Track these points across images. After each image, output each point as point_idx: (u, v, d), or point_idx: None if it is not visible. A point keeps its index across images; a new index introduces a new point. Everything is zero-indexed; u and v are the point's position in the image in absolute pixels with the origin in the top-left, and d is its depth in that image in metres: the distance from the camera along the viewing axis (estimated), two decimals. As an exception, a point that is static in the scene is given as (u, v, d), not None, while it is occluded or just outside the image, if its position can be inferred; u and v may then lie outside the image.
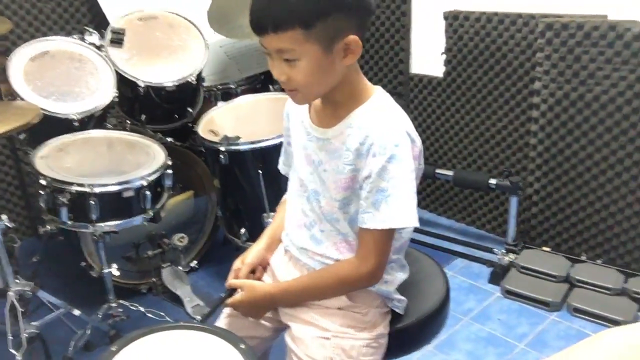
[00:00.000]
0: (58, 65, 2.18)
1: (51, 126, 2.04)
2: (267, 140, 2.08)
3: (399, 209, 1.08)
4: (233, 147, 2.14)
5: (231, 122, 2.36)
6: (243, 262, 1.31)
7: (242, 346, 1.07)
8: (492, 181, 2.48)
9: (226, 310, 1.35)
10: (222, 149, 2.14)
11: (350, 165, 1.11)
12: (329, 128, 1.15)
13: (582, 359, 0.79)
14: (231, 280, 1.29)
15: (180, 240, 2.36)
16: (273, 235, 1.36)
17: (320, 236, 1.21)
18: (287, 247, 1.29)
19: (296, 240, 1.26)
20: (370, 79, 3.22)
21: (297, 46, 1.03)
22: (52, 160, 1.91)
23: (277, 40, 1.03)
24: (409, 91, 2.90)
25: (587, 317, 2.19)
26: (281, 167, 1.39)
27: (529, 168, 2.49)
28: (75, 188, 1.78)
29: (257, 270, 1.33)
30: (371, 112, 1.12)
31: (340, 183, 1.13)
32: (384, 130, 1.08)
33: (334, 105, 1.14)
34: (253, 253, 1.33)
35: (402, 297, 1.26)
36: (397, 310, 1.26)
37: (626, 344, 0.76)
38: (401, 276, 1.26)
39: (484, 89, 2.59)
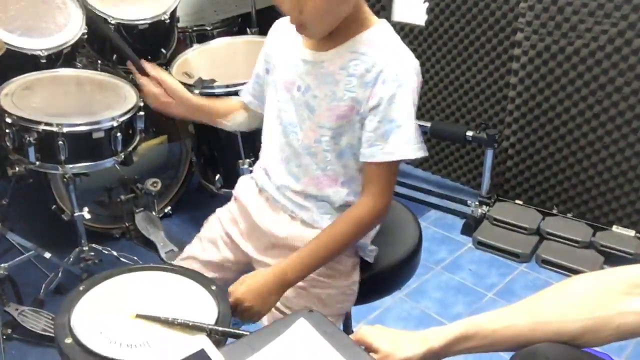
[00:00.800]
0: (24, -2, 2.07)
1: (16, 62, 1.95)
2: (244, 84, 2.02)
3: (409, 140, 1.06)
4: (208, 90, 2.08)
5: (206, 65, 2.29)
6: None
7: (213, 287, 1.06)
8: (469, 133, 2.48)
9: (191, 248, 1.32)
10: (197, 91, 2.08)
11: (352, 93, 1.07)
12: (324, 51, 1.09)
13: (552, 303, 0.81)
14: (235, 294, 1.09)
15: (153, 185, 2.32)
16: (201, 100, 1.33)
17: (298, 172, 1.17)
18: (263, 186, 1.24)
19: (274, 177, 1.21)
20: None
21: None
22: (18, 98, 1.83)
23: None
24: (389, 40, 2.84)
25: (554, 269, 2.25)
26: (244, 94, 1.33)
27: (505, 121, 2.49)
28: (42, 127, 1.72)
29: (164, 87, 1.26)
30: (378, 39, 1.07)
31: (337, 110, 1.08)
32: (397, 57, 1.05)
33: (331, 32, 1.08)
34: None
35: (374, 247, 1.26)
36: (367, 259, 1.26)
37: (595, 289, 0.77)
38: (377, 226, 1.25)
39: (465, 39, 2.55)
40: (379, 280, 1.30)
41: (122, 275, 1.09)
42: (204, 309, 1.01)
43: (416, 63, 1.07)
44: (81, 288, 1.05)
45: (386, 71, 1.04)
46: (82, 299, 1.03)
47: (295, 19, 1.04)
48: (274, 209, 1.22)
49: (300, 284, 1.16)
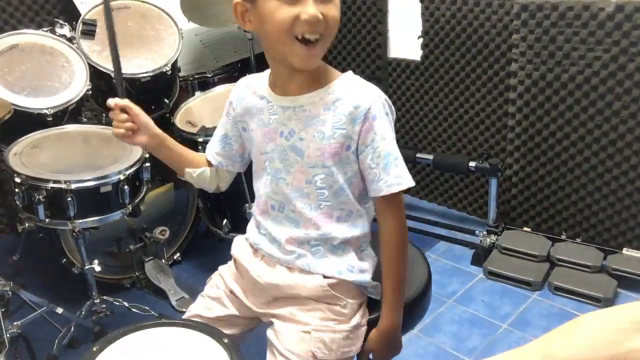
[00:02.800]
0: (28, 59, 2.13)
1: (24, 122, 2.00)
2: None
3: (404, 170, 1.13)
4: (211, 138, 2.11)
5: (209, 112, 2.33)
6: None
7: (226, 340, 1.06)
8: (472, 164, 2.50)
9: (196, 307, 1.32)
10: (200, 140, 2.12)
11: (342, 130, 1.10)
12: (300, 95, 1.14)
13: (562, 343, 0.80)
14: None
15: (161, 233, 2.34)
16: (172, 142, 1.30)
17: (295, 216, 1.18)
18: (257, 245, 1.25)
19: (269, 229, 1.21)
20: (348, 64, 3.17)
21: None
22: (26, 157, 1.87)
23: None
24: (387, 75, 2.90)
25: (568, 295, 2.23)
26: (210, 155, 1.33)
27: (507, 150, 2.51)
28: (51, 185, 1.75)
29: (132, 115, 1.21)
30: (354, 82, 1.15)
31: (329, 149, 1.11)
32: (376, 96, 1.11)
33: (305, 77, 1.13)
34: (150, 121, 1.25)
35: (376, 283, 1.26)
36: (372, 296, 1.26)
37: (604, 328, 0.77)
38: (376, 260, 1.26)
39: (461, 72, 2.60)
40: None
41: (135, 333, 1.10)
42: (218, 363, 1.01)
43: (390, 102, 1.15)
44: (95, 349, 1.06)
45: (373, 108, 1.10)
46: (97, 360, 1.03)
47: (317, 27, 1.05)
48: (270, 265, 1.23)
49: (303, 328, 1.17)
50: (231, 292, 1.29)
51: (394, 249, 1.18)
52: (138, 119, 1.23)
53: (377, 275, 1.27)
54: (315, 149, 1.12)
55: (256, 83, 1.23)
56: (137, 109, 1.23)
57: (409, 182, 1.13)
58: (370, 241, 1.27)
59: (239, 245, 1.32)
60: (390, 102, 1.15)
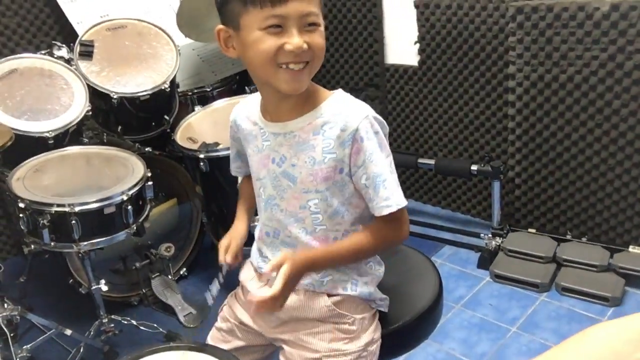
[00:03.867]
0: (28, 82, 2.14)
1: (26, 146, 2.01)
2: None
3: (394, 190, 1.10)
4: (212, 154, 2.12)
5: (209, 127, 2.34)
6: (231, 240, 1.29)
7: (235, 363, 1.06)
8: (474, 167, 2.49)
9: (213, 339, 1.33)
10: (202, 156, 2.12)
11: (332, 154, 1.09)
12: (289, 121, 1.13)
13: (573, 354, 0.80)
14: (270, 267, 1.08)
15: (167, 250, 2.34)
16: (248, 209, 1.36)
17: (290, 241, 1.18)
18: (260, 268, 1.25)
19: (269, 254, 1.21)
20: (346, 72, 3.17)
21: (319, 9, 1.05)
22: (29, 181, 1.88)
23: (307, 3, 1.02)
24: (385, 82, 2.90)
25: (576, 296, 2.22)
26: (236, 172, 1.37)
27: (509, 152, 2.51)
28: (55, 209, 1.76)
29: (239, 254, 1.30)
30: (342, 102, 1.12)
31: (321, 174, 1.10)
32: (364, 114, 1.09)
33: (295, 101, 1.11)
34: (239, 233, 1.31)
35: (384, 295, 1.25)
36: (381, 309, 1.25)
37: (613, 339, 0.77)
38: (380, 272, 1.25)
39: (459, 76, 2.60)
40: (403, 334, 1.29)
41: (144, 358, 1.10)
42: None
43: (380, 118, 1.13)
44: (105, 375, 1.06)
45: (360, 129, 1.07)
46: (107, 387, 1.03)
47: (303, 55, 1.04)
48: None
49: (313, 355, 1.16)
50: (241, 323, 1.29)
51: (372, 240, 1.14)
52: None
53: (382, 287, 1.27)
54: (308, 174, 1.12)
55: (250, 108, 1.22)
56: (238, 246, 1.29)
57: (398, 203, 1.10)
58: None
59: (245, 270, 1.32)
60: (380, 118, 1.12)
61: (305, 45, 1.02)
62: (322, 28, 1.06)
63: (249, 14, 1.02)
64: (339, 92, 1.15)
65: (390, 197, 1.09)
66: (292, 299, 1.19)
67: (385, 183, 1.09)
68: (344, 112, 1.10)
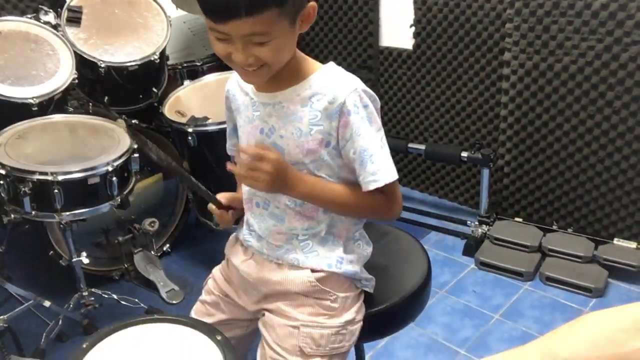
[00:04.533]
0: (12, 47, 2.07)
1: (8, 112, 1.95)
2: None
3: (383, 164, 1.08)
4: (201, 128, 2.08)
5: (198, 102, 2.29)
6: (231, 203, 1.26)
7: (219, 337, 1.04)
8: (464, 154, 2.48)
9: (197, 312, 1.31)
10: (190, 130, 2.08)
11: (318, 126, 1.08)
12: (279, 92, 1.10)
13: (566, 340, 0.79)
14: (250, 148, 1.07)
15: (151, 225, 2.30)
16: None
17: (279, 212, 1.16)
18: (247, 242, 1.23)
19: (256, 225, 1.20)
20: (339, 53, 3.13)
21: (270, 27, 0.97)
22: (11, 147, 1.82)
23: (250, 24, 0.95)
24: (378, 64, 2.87)
25: (559, 286, 2.23)
26: (231, 150, 1.33)
27: (499, 140, 2.50)
28: (37, 177, 1.71)
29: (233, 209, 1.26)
30: (332, 75, 1.10)
31: (307, 145, 1.09)
32: (352, 88, 1.07)
33: (284, 73, 1.08)
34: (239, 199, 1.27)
35: (370, 276, 1.24)
36: (366, 290, 1.24)
37: (608, 327, 0.76)
38: (368, 252, 1.24)
39: (454, 61, 2.57)
40: (390, 315, 1.28)
41: (125, 330, 1.07)
42: (210, 359, 0.99)
43: (370, 91, 1.10)
44: (84, 345, 1.03)
45: (348, 102, 1.05)
46: (86, 358, 1.01)
47: (250, 67, 1.02)
48: (260, 262, 1.21)
49: (291, 323, 1.15)
50: (226, 295, 1.28)
51: (361, 200, 1.12)
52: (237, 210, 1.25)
53: (371, 267, 1.25)
54: (294, 146, 1.10)
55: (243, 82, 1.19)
56: (237, 205, 1.24)
57: (386, 178, 1.08)
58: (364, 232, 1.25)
59: (231, 244, 1.30)
60: (370, 92, 1.10)
61: (250, 59, 1.01)
62: (274, 42, 0.99)
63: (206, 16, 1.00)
64: (330, 65, 1.13)
65: (377, 171, 1.08)
66: (276, 274, 1.18)
67: (373, 157, 1.07)
68: (333, 84, 1.08)
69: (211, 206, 1.25)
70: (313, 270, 1.16)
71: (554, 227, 2.44)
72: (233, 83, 1.22)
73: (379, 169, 1.08)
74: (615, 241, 2.30)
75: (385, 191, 1.11)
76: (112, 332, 1.06)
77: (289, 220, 1.16)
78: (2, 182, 1.74)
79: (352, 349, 1.26)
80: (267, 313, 1.21)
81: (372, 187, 1.08)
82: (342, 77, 1.10)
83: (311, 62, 1.13)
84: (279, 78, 1.09)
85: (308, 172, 1.11)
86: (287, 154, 1.11)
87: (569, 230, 2.40)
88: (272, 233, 1.18)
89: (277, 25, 0.98)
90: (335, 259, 1.17)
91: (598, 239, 2.33)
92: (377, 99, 1.12)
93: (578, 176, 2.34)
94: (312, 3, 1.04)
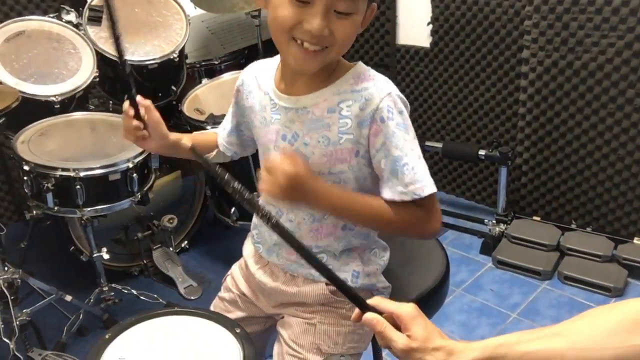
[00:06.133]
0: (35, 45, 2.11)
1: (31, 109, 1.99)
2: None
3: (420, 175, 0.99)
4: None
5: (216, 100, 2.31)
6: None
7: (237, 330, 1.06)
8: (481, 152, 2.47)
9: (216, 308, 1.31)
10: (209, 128, 2.10)
11: (349, 135, 1.00)
12: (302, 95, 1.03)
13: (586, 328, 0.79)
14: None
15: (169, 221, 2.33)
16: (183, 142, 1.18)
17: (290, 226, 1.10)
18: (260, 250, 1.20)
19: (267, 236, 1.16)
20: (356, 51, 3.12)
21: (356, 0, 0.94)
22: (34, 144, 1.86)
23: None
24: (395, 62, 2.86)
25: (578, 285, 2.21)
26: (223, 147, 1.25)
27: (517, 138, 2.49)
28: (60, 173, 1.75)
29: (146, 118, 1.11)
30: (363, 76, 1.02)
31: (336, 155, 1.02)
32: (385, 91, 1.00)
33: (315, 74, 1.02)
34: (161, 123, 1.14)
35: (387, 284, 1.20)
36: (383, 297, 1.22)
37: (626, 317, 0.76)
38: (385, 259, 1.19)
39: (471, 59, 2.56)
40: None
41: (147, 321, 1.09)
42: (229, 352, 1.00)
43: (400, 94, 1.03)
44: (107, 336, 1.05)
45: (382, 108, 0.98)
46: (108, 348, 1.03)
47: (320, 41, 0.95)
48: (275, 273, 1.18)
49: (308, 320, 1.14)
50: (244, 294, 1.27)
51: (393, 214, 1.01)
52: (151, 125, 1.12)
53: (388, 264, 1.24)
54: (321, 155, 1.02)
55: (264, 74, 1.12)
56: (153, 116, 1.12)
57: (426, 189, 0.98)
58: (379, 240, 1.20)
59: (247, 247, 1.28)
60: (402, 96, 1.03)
61: (325, 31, 0.93)
62: (354, 18, 0.95)
63: None
64: (360, 66, 1.06)
65: (415, 182, 0.99)
66: (290, 287, 1.16)
67: (411, 167, 0.98)
68: (364, 88, 1.00)
69: (126, 104, 1.11)
70: (328, 284, 1.12)
71: (573, 226, 2.42)
72: (250, 78, 1.15)
73: (418, 179, 0.99)
74: (635, 240, 2.27)
75: (423, 205, 1.01)
76: (134, 323, 1.08)
77: (300, 236, 1.08)
78: (25, 178, 1.78)
79: (369, 347, 1.26)
80: (285, 314, 1.20)
81: (408, 198, 0.99)
82: (374, 81, 1.02)
83: (342, 63, 1.05)
84: (308, 80, 1.03)
85: (332, 182, 1.05)
86: (311, 163, 1.03)
87: (588, 229, 2.38)
88: (282, 250, 1.14)
89: (361, 2, 0.95)
90: (350, 272, 1.13)
91: (617, 238, 2.30)
92: (408, 104, 1.05)
93: (597, 174, 2.31)
94: (375, 3, 1.00)
